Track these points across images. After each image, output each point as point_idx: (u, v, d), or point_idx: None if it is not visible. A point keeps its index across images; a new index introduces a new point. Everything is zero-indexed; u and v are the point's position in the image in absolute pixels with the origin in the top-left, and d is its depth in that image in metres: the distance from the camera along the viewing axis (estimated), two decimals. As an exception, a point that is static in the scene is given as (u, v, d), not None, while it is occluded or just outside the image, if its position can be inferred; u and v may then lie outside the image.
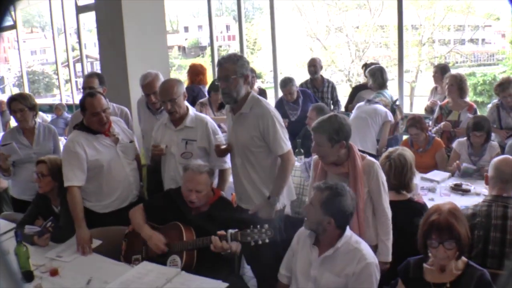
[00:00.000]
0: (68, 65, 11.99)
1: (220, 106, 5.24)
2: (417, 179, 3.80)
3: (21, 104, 3.89)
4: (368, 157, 2.95)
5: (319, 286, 2.52)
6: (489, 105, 5.17)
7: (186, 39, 15.46)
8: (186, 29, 16.83)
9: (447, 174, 4.21)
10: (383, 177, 2.90)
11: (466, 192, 3.83)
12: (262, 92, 5.96)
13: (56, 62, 12.54)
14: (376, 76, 5.41)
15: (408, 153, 3.17)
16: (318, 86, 6.03)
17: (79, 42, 10.90)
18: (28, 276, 2.79)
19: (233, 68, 3.05)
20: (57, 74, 13.02)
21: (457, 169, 4.22)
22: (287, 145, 3.13)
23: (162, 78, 3.95)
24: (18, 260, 2.77)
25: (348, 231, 2.55)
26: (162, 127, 3.55)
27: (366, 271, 2.43)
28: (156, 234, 3.00)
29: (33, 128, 4.04)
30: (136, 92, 4.90)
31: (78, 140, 3.31)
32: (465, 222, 2.30)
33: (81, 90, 4.90)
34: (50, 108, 10.10)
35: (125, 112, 4.26)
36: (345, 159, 2.87)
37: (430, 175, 4.20)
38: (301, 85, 6.04)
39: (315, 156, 3.05)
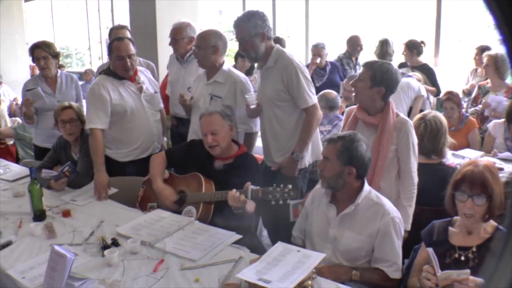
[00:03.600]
0: (100, 42, 12.11)
1: (246, 73, 5.12)
2: (448, 154, 3.61)
3: (44, 52, 3.85)
4: (402, 115, 2.80)
5: (338, 246, 2.32)
6: None
7: (219, 23, 15.34)
8: (220, 12, 16.81)
9: (480, 152, 4.00)
10: (414, 139, 2.73)
11: (499, 170, 3.62)
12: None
13: (89, 38, 12.71)
14: (378, 46, 5.55)
15: (443, 117, 3.00)
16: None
17: (112, 20, 10.98)
18: (40, 215, 2.75)
19: (246, 29, 2.99)
20: (90, 50, 13.20)
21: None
22: (312, 98, 3.00)
23: (195, 29, 3.92)
24: (31, 198, 2.73)
25: (367, 186, 2.37)
26: (199, 78, 3.49)
27: (392, 226, 2.24)
28: (168, 189, 2.88)
29: (56, 77, 4.00)
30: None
31: (103, 83, 3.26)
32: (501, 183, 2.10)
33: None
34: (80, 76, 10.17)
35: (152, 66, 4.21)
36: (379, 111, 2.74)
37: (462, 152, 4.00)
38: (344, 54, 6.01)
39: (348, 108, 2.94)
